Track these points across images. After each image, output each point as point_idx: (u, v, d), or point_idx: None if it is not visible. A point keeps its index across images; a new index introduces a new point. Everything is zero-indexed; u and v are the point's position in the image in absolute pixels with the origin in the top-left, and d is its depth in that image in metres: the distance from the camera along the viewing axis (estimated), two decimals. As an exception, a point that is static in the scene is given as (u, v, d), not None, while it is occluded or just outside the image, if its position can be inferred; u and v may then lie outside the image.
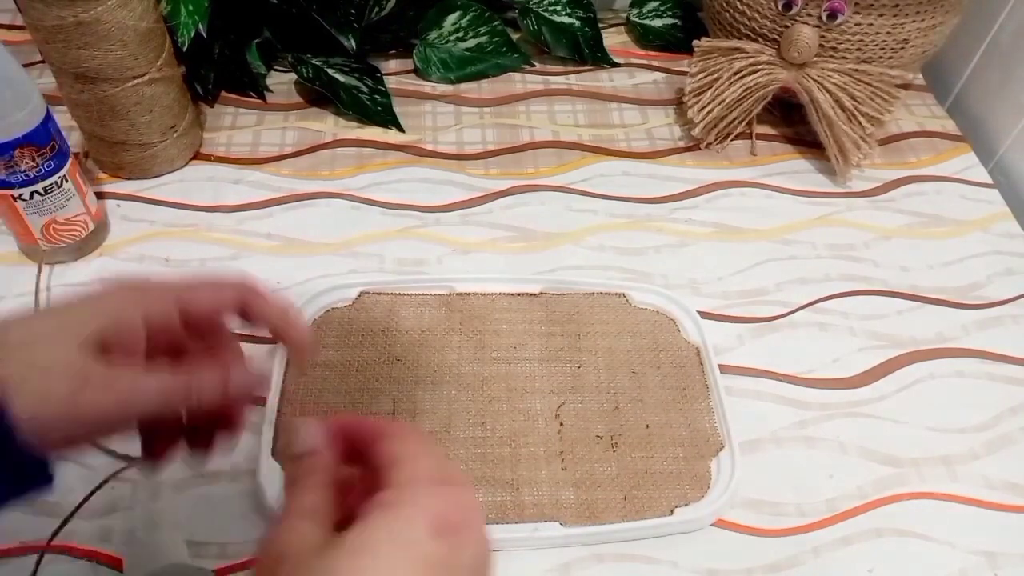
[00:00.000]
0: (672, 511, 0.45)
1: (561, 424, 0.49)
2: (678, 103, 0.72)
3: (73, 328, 0.32)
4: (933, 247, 0.62)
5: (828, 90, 0.62)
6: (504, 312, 0.54)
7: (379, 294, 0.54)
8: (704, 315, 0.56)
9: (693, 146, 0.68)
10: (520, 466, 0.47)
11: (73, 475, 0.44)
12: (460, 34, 0.72)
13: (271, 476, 0.45)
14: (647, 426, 0.49)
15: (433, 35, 0.72)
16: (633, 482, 0.46)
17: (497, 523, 0.44)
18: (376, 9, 0.70)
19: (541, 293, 0.55)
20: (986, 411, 0.52)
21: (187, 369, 0.33)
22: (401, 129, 0.68)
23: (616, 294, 0.55)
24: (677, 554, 0.45)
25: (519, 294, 0.55)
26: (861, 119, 0.62)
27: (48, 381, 0.30)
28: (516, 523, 0.44)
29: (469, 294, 0.54)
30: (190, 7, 0.60)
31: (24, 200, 0.51)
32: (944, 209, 0.65)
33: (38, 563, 0.42)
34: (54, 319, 0.32)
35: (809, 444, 0.50)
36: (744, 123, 0.67)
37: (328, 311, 0.53)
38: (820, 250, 0.61)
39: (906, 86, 0.64)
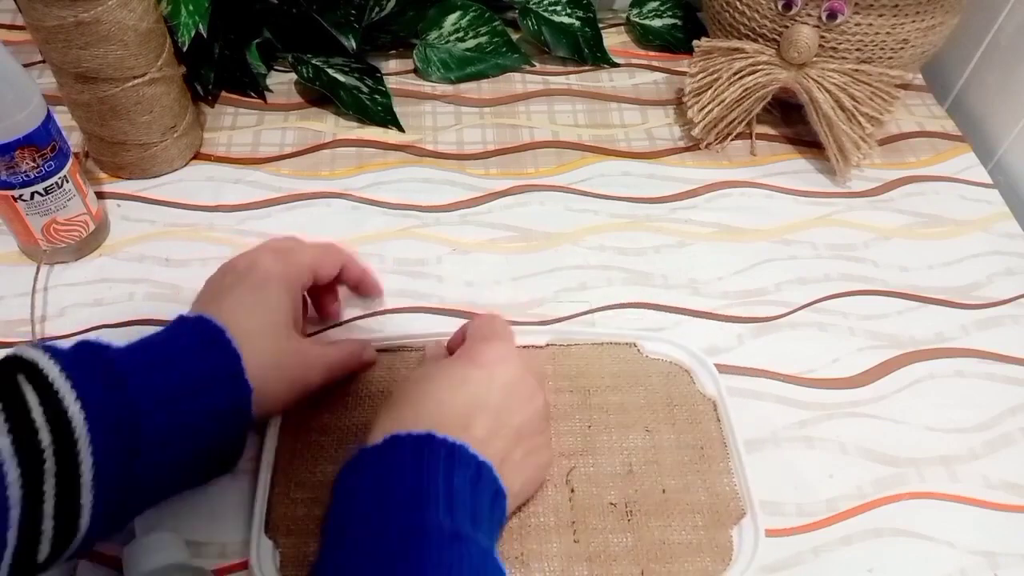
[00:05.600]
0: None
1: (572, 490, 0.45)
2: (678, 103, 0.72)
3: (279, 314, 0.42)
4: (933, 247, 0.62)
5: (828, 90, 0.62)
6: None
7: (379, 351, 0.50)
8: (703, 315, 0.56)
9: (693, 146, 0.68)
10: (529, 539, 0.43)
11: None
12: (460, 34, 0.72)
13: (264, 554, 0.42)
14: (663, 491, 0.45)
15: (433, 35, 0.72)
16: (651, 555, 0.43)
17: None
18: (376, 9, 0.70)
19: (548, 345, 0.51)
20: (986, 411, 0.52)
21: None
22: (401, 129, 0.68)
23: (627, 344, 0.52)
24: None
25: (525, 347, 0.51)
26: (861, 119, 0.62)
27: (280, 380, 0.41)
28: None
29: None
30: (190, 7, 0.61)
31: (25, 200, 0.51)
32: (944, 209, 0.65)
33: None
34: (259, 314, 0.41)
35: (809, 444, 0.50)
36: (744, 123, 0.67)
37: None
38: (820, 250, 0.61)
39: (906, 86, 0.64)
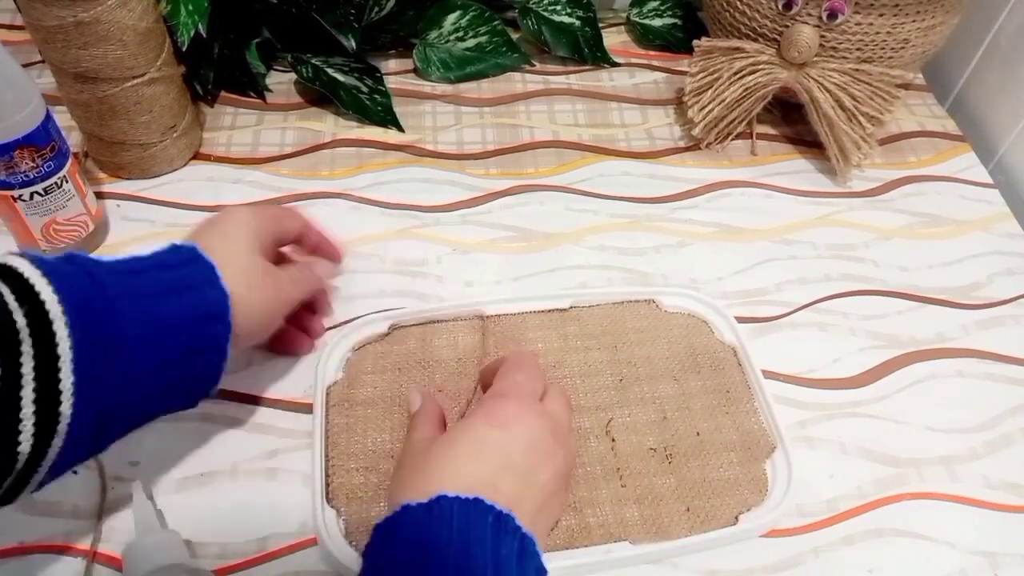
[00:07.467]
0: (736, 519, 0.45)
1: (613, 440, 0.48)
2: (678, 103, 0.72)
3: (243, 241, 0.43)
4: (933, 247, 0.62)
5: (828, 90, 0.62)
6: (537, 330, 0.53)
7: (410, 326, 0.53)
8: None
9: (693, 146, 0.68)
10: (579, 487, 0.46)
11: (75, 478, 0.44)
12: (460, 34, 0.72)
13: (330, 523, 0.43)
14: (697, 433, 0.49)
15: (433, 35, 0.72)
16: (693, 492, 0.46)
17: (567, 548, 0.43)
18: (376, 9, 0.70)
19: (571, 307, 0.54)
20: (986, 411, 0.52)
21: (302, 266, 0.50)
22: (401, 129, 0.68)
23: (646, 301, 0.55)
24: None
25: (550, 311, 0.54)
26: (861, 119, 0.62)
27: (253, 289, 0.42)
28: (587, 546, 0.43)
29: (500, 315, 0.53)
30: (190, 7, 0.60)
31: (24, 201, 0.51)
32: (944, 209, 0.65)
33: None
34: (228, 241, 0.43)
35: (809, 444, 0.50)
36: (744, 123, 0.67)
37: (361, 347, 0.52)
38: (820, 250, 0.61)
39: (906, 86, 0.64)
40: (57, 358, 0.32)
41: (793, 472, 0.47)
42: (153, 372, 0.37)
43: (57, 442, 0.33)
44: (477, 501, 0.35)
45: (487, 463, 0.38)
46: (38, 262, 0.34)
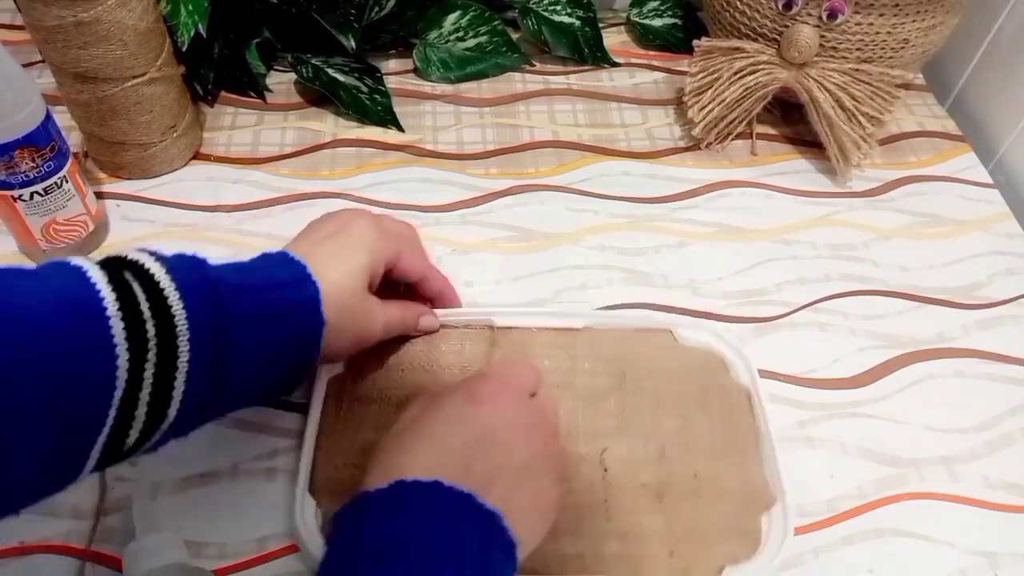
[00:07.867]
0: (720, 571, 0.42)
1: (605, 470, 0.46)
2: (678, 103, 0.72)
3: (356, 272, 0.44)
4: (933, 247, 0.62)
5: (828, 90, 0.62)
6: (546, 348, 0.51)
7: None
8: (703, 315, 0.56)
9: (693, 146, 0.68)
10: (562, 514, 0.43)
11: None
12: (460, 34, 0.72)
13: (307, 513, 0.43)
14: (695, 475, 0.46)
15: (433, 35, 0.72)
16: (680, 536, 0.44)
17: (537, 574, 0.41)
18: (376, 9, 0.70)
19: (585, 328, 0.52)
20: (986, 411, 0.52)
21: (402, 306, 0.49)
22: (401, 129, 0.68)
23: (663, 331, 0.52)
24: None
25: (562, 329, 0.51)
26: (861, 119, 0.62)
27: (344, 321, 0.43)
28: None
29: (510, 328, 0.51)
30: (190, 7, 0.60)
31: (24, 201, 0.51)
32: (944, 209, 0.65)
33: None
34: (341, 269, 0.43)
35: (809, 444, 0.50)
36: (744, 123, 0.67)
37: None
38: (820, 250, 0.61)
39: (906, 86, 0.64)
40: (175, 369, 0.35)
41: (788, 534, 0.44)
42: (246, 385, 0.40)
43: (157, 435, 0.36)
44: (436, 484, 0.35)
45: (459, 438, 0.38)
46: (168, 267, 0.36)
